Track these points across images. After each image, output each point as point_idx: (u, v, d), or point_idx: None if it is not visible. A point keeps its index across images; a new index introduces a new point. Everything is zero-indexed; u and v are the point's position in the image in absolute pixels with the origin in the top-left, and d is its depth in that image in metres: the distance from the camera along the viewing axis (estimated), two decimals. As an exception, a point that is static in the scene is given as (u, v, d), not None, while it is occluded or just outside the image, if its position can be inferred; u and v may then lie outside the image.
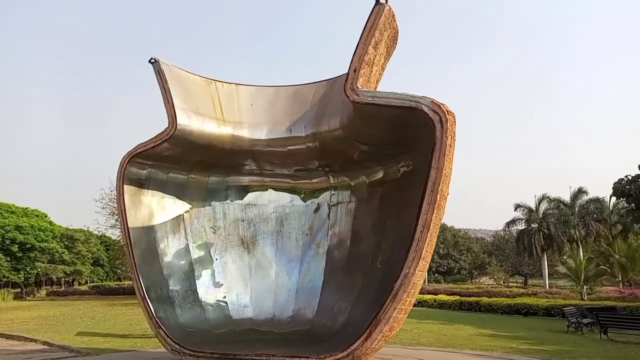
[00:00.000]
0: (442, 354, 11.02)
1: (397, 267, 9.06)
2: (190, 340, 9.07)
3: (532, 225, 53.01)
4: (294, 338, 9.51)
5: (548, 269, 52.03)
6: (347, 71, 8.31)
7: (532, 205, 53.47)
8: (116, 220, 38.58)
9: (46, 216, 58.85)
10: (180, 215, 10.87)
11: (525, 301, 26.66)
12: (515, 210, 54.08)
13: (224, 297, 10.59)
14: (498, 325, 19.84)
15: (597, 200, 52.28)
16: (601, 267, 47.70)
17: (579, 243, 51.49)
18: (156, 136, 9.71)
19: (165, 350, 12.34)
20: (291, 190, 11.69)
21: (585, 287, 45.01)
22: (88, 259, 62.05)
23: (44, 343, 14.55)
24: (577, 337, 16.36)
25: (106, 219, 39.18)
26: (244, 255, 11.21)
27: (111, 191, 38.94)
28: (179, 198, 10.95)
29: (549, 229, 51.18)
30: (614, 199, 51.22)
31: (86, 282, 69.50)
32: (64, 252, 53.43)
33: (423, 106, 7.45)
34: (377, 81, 9.01)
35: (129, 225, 9.57)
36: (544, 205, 53.31)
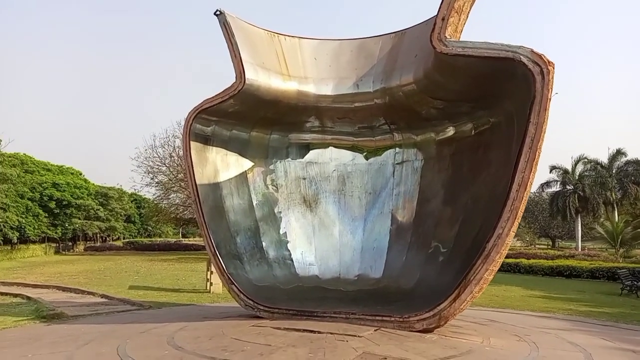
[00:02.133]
0: (508, 315, 10.87)
1: (474, 227, 8.86)
2: (262, 296, 9.09)
3: (568, 187, 51.89)
4: (363, 297, 9.44)
5: (581, 232, 51.26)
6: (434, 19, 7.84)
7: (569, 167, 52.18)
8: (152, 179, 39.23)
9: (81, 174, 60.11)
10: (243, 172, 10.73)
11: (569, 263, 26.26)
12: (550, 172, 52.81)
13: (289, 254, 10.55)
14: (545, 287, 19.61)
15: (636, 162, 50.67)
16: (639, 229, 46.84)
17: (615, 205, 50.35)
18: (223, 91, 9.45)
19: (225, 305, 12.66)
20: (353, 148, 11.40)
21: (621, 249, 44.30)
22: (121, 215, 63.57)
23: (103, 296, 14.91)
24: (633, 300, 16.02)
25: (142, 177, 39.74)
26: (306, 213, 11.08)
27: (145, 150, 39.45)
28: (242, 155, 10.79)
29: (585, 191, 50.04)
30: (655, 159, 49.72)
31: (118, 238, 71.60)
32: (99, 209, 54.72)
33: (522, 57, 6.98)
34: (461, 31, 8.49)
35: (197, 182, 9.48)
36: (580, 167, 51.96)
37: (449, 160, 10.18)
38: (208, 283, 16.30)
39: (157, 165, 39.33)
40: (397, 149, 11.03)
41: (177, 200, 41.92)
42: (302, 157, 11.39)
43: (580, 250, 46.90)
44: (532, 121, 6.84)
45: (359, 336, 6.84)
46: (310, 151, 11.43)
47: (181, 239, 76.70)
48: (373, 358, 5.84)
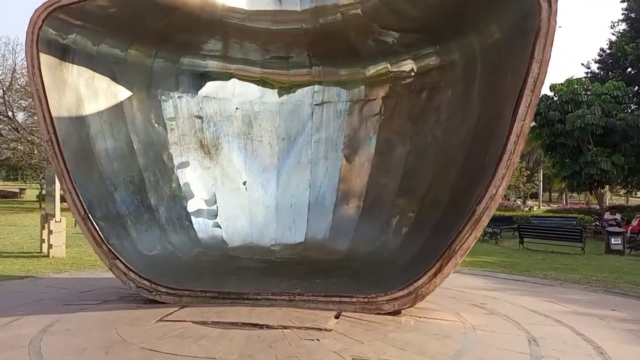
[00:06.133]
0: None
1: (421, 185, 7.68)
2: (158, 271, 6.71)
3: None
4: (289, 268, 7.63)
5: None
6: None
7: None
8: None
9: None
10: (118, 104, 7.82)
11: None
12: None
13: (186, 214, 8.16)
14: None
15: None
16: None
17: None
18: (97, -19, 6.42)
19: (78, 275, 9.73)
20: (261, 82, 9.20)
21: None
22: None
23: None
24: (496, 247, 17.13)
25: None
26: (205, 161, 8.69)
27: None
28: (115, 81, 7.82)
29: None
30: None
31: None
32: None
33: (527, -23, 5.62)
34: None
35: (52, 114, 6.45)
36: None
37: (382, 104, 8.72)
38: (45, 245, 12.74)
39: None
40: (317, 87, 9.17)
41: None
42: (197, 90, 8.82)
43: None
44: (536, 58, 5.57)
45: (326, 329, 5.13)
46: (208, 82, 8.91)
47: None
48: (372, 367, 4.22)
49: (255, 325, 5.25)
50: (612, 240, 15.05)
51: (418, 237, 7.02)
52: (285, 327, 5.18)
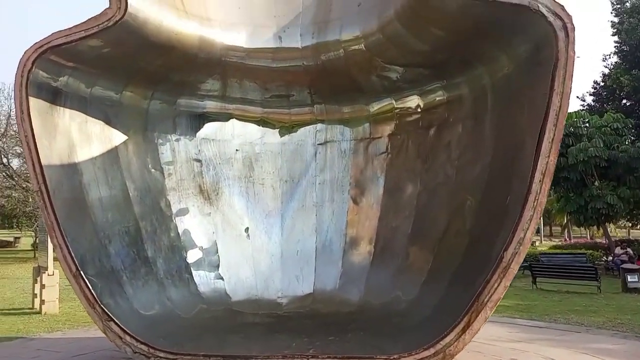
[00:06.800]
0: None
1: (435, 227, 7.22)
2: (157, 333, 6.11)
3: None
4: (299, 323, 7.02)
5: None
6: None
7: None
8: None
9: None
10: (113, 149, 7.40)
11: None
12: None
13: (186, 266, 7.60)
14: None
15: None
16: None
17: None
18: (88, 21, 6.11)
19: (73, 335, 9.17)
20: (261, 122, 8.84)
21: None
22: None
23: None
24: (509, 287, 16.44)
25: None
26: (204, 207, 8.20)
27: None
28: (109, 124, 7.43)
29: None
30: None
31: None
32: None
33: (540, 5, 5.30)
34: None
35: (43, 161, 6.02)
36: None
37: (388, 142, 8.36)
38: (37, 300, 12.08)
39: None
40: (319, 126, 8.79)
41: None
42: (195, 132, 8.44)
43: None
44: (557, 90, 5.21)
45: (346, 399, 4.54)
46: (206, 124, 8.55)
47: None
48: None
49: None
50: (629, 278, 14.50)
51: (437, 285, 6.49)
52: (299, 397, 4.58)
